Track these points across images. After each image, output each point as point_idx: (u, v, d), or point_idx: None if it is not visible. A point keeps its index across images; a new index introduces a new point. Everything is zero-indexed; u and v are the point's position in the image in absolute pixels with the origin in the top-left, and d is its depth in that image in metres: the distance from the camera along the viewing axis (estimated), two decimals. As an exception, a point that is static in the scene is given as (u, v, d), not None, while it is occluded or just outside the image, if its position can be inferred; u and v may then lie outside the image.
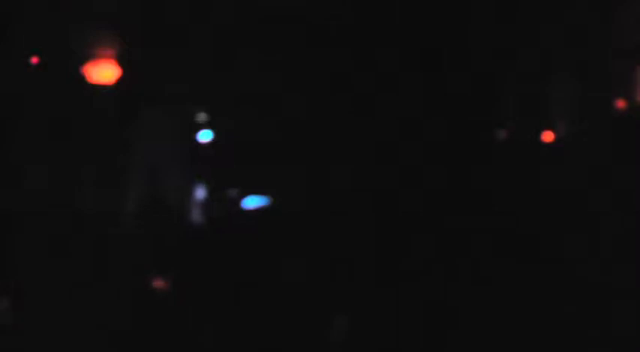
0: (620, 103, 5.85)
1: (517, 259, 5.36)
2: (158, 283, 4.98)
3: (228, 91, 10.89)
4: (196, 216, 10.52)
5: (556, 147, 7.51)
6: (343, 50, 9.17)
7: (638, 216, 5.44)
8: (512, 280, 4.84)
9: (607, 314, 4.82)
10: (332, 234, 9.00)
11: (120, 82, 7.76)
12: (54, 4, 6.45)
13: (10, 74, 7.32)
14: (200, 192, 11.01)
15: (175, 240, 8.48)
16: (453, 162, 11.12)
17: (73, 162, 8.27)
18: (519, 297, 4.56)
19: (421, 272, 5.56)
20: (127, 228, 8.37)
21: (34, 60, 7.23)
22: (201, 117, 11.05)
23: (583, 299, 4.69)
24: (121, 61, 7.72)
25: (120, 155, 8.51)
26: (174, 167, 10.40)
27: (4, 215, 7.66)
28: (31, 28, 6.77)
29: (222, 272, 5.04)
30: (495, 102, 10.24)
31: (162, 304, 4.50)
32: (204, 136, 11.48)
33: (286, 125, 11.39)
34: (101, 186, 8.30)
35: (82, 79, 7.61)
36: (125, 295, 4.37)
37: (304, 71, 10.18)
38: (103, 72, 7.64)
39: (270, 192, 10.89)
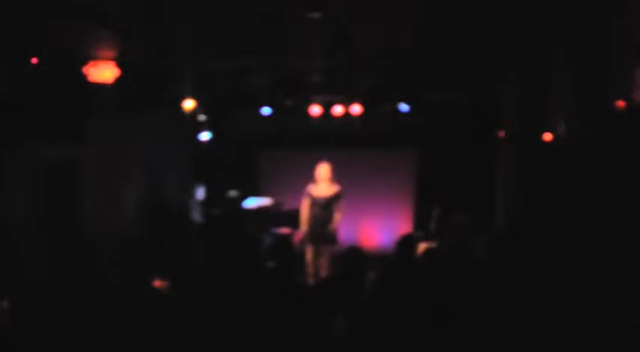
0: (620, 103, 5.85)
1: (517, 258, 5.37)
2: (158, 283, 4.99)
3: (229, 92, 10.94)
4: (196, 216, 10.55)
5: (556, 147, 7.50)
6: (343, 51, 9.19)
7: (638, 215, 5.45)
8: (511, 278, 4.85)
9: (606, 312, 4.83)
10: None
11: (120, 81, 7.77)
12: (54, 4, 6.46)
13: (10, 74, 7.32)
14: (200, 192, 11.04)
15: (175, 240, 8.49)
16: (454, 162, 11.18)
17: (72, 163, 8.28)
18: (519, 298, 4.57)
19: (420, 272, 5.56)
20: (128, 229, 8.39)
21: (34, 60, 7.22)
22: (202, 117, 11.09)
23: (582, 297, 4.70)
24: (121, 61, 7.73)
25: (120, 155, 8.53)
26: (174, 167, 10.43)
27: (5, 216, 7.67)
28: (31, 28, 6.77)
29: (221, 272, 5.04)
30: (495, 103, 10.30)
31: (163, 304, 4.50)
32: (205, 136, 11.52)
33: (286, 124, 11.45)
34: (101, 186, 8.32)
35: (82, 79, 7.62)
36: (125, 295, 4.38)
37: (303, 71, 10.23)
38: (103, 72, 7.64)
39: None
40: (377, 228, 11.56)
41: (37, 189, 7.96)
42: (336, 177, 8.72)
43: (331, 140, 11.00)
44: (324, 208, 8.55)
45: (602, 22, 6.34)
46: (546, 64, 7.80)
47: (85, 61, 7.63)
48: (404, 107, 10.64)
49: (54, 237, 7.44)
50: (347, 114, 10.74)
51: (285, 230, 9.50)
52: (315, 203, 8.57)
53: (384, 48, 8.73)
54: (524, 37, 7.73)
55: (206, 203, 10.65)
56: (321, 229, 8.49)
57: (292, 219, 9.04)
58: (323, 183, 8.63)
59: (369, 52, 8.89)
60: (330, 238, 8.49)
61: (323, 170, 8.65)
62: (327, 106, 10.74)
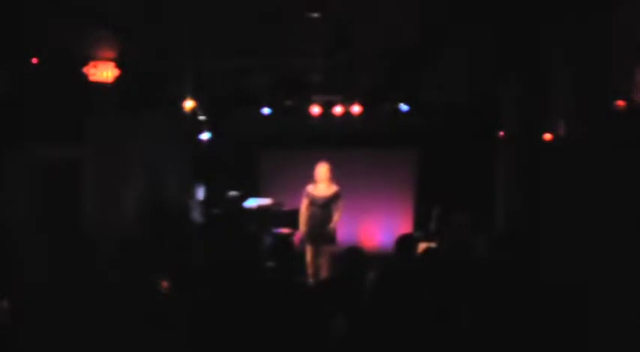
0: (620, 103, 5.86)
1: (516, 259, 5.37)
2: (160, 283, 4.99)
3: (229, 90, 10.94)
4: (196, 216, 10.55)
5: (556, 147, 7.50)
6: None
7: (637, 215, 5.46)
8: (509, 279, 4.85)
9: (606, 312, 4.83)
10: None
11: (120, 81, 7.77)
12: (54, 4, 6.46)
13: (10, 74, 7.32)
14: (200, 192, 11.04)
15: (175, 240, 8.48)
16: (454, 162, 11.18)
17: (72, 163, 8.28)
18: (518, 298, 4.57)
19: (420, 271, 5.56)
20: (128, 229, 8.39)
21: (34, 60, 7.22)
22: (202, 117, 11.08)
23: (582, 297, 4.70)
24: (121, 61, 7.73)
25: (120, 155, 8.53)
26: (174, 167, 10.42)
27: (5, 216, 7.66)
28: (31, 28, 6.78)
29: (221, 272, 5.04)
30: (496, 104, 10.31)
31: (163, 304, 4.50)
32: (205, 136, 11.52)
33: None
34: (101, 186, 8.32)
35: (82, 79, 7.62)
36: (125, 295, 4.38)
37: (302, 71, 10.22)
38: (103, 72, 7.64)
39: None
40: (377, 228, 11.55)
41: (37, 189, 7.96)
42: (336, 176, 8.71)
43: (331, 140, 10.99)
44: (323, 208, 8.54)
45: (602, 22, 6.34)
46: (546, 64, 7.80)
47: (85, 61, 7.63)
48: (404, 107, 10.64)
49: (54, 237, 7.44)
50: (347, 114, 10.74)
51: (285, 230, 9.50)
52: (314, 203, 8.56)
53: (384, 48, 8.73)
54: (524, 37, 7.73)
55: (206, 203, 10.64)
56: (320, 229, 8.49)
57: (292, 219, 9.04)
58: (322, 183, 8.63)
59: (369, 52, 8.89)
60: (329, 238, 8.48)
61: (322, 170, 8.64)
62: (327, 106, 10.74)
